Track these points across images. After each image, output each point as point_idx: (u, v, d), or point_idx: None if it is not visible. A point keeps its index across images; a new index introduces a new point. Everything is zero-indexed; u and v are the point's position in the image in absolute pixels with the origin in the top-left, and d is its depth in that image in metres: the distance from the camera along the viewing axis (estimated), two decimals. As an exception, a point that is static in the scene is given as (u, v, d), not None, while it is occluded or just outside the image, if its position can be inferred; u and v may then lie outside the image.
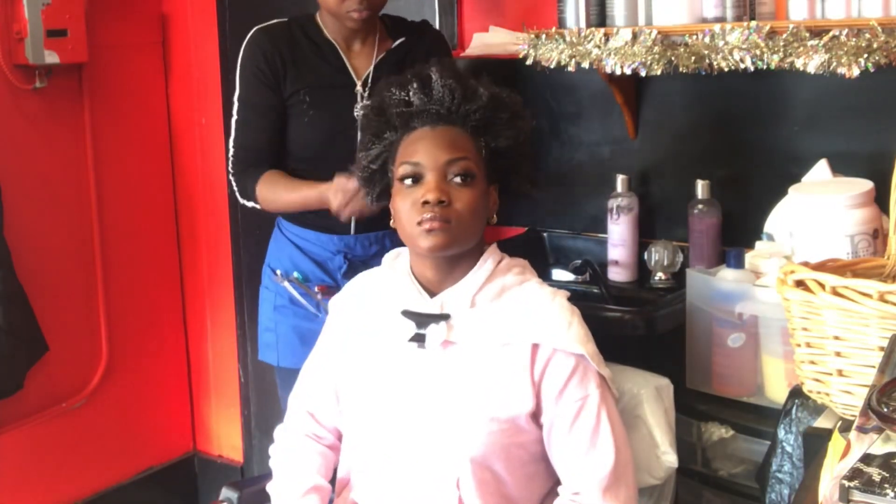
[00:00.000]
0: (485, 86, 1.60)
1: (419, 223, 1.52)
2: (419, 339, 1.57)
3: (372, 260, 2.03)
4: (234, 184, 2.13)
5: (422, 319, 1.57)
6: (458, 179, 1.53)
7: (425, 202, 1.52)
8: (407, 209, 1.54)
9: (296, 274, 2.12)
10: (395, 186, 1.59)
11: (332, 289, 2.05)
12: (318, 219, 2.09)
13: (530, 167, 1.66)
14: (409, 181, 1.55)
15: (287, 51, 2.06)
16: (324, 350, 1.75)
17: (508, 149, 1.60)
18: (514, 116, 1.61)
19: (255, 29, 2.10)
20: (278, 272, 2.13)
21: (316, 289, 2.10)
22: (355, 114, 2.02)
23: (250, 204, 2.10)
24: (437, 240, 1.52)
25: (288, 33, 2.08)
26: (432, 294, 1.60)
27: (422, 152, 1.55)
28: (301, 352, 1.98)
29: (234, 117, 2.11)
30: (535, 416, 1.55)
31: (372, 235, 2.13)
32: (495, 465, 1.54)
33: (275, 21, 2.12)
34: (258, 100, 2.07)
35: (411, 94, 1.57)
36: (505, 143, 1.59)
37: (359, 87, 2.06)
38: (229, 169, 2.13)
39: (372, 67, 2.08)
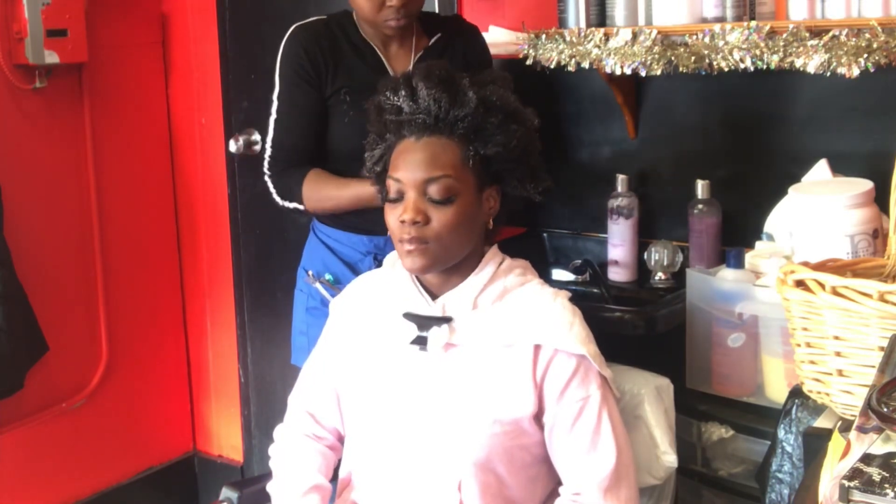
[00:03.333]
0: (477, 87, 1.54)
1: (400, 241, 1.53)
2: (421, 341, 1.56)
3: None
4: (271, 185, 2.07)
5: (423, 322, 1.57)
6: (436, 198, 1.51)
7: (403, 221, 1.52)
8: (392, 226, 1.55)
9: (328, 276, 2.10)
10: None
11: None
12: (353, 219, 2.05)
13: (529, 170, 1.60)
14: (393, 196, 1.54)
15: (327, 49, 2.02)
16: (325, 351, 1.75)
17: (499, 154, 1.55)
18: (506, 119, 1.55)
19: (294, 26, 2.05)
20: (310, 273, 2.10)
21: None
22: None
23: (291, 205, 2.04)
24: (416, 262, 1.53)
25: (327, 31, 2.04)
26: (434, 296, 1.59)
27: (403, 168, 1.53)
28: None
29: (273, 116, 2.05)
30: (538, 417, 1.55)
31: None
32: (498, 468, 1.54)
33: (314, 19, 2.07)
34: (298, 98, 2.02)
35: (401, 99, 1.54)
36: (494, 150, 1.54)
37: None
38: (266, 170, 2.06)
39: (411, 68, 2.03)
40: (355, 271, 2.08)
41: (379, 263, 2.03)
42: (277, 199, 2.07)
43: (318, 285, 2.09)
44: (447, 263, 1.56)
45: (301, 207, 2.03)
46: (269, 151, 2.06)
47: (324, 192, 2.00)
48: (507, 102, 1.56)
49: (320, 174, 2.01)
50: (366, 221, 2.02)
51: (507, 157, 1.55)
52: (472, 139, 1.53)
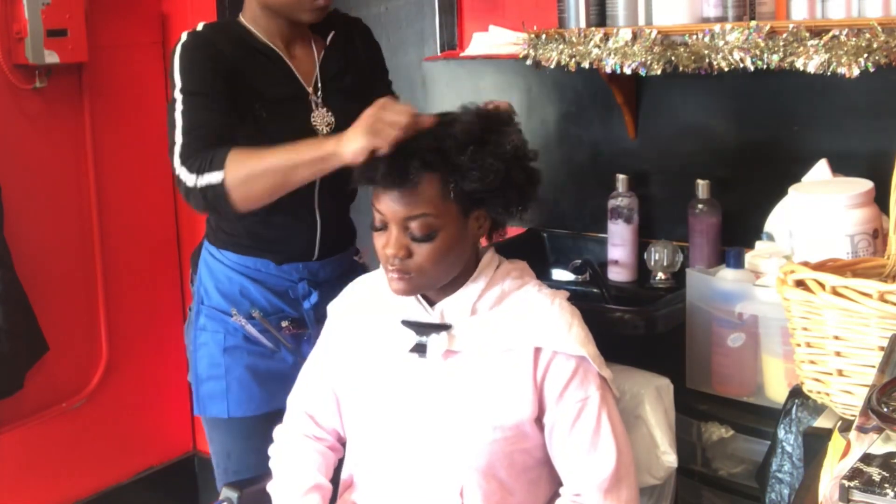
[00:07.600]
0: (460, 122, 1.51)
1: (386, 269, 1.55)
2: (420, 349, 1.56)
3: (338, 281, 1.86)
4: (183, 170, 1.69)
5: (422, 329, 1.57)
6: (417, 235, 1.50)
7: (387, 254, 1.52)
8: (378, 249, 1.56)
9: (256, 312, 1.92)
10: None
11: (300, 323, 1.93)
12: (280, 247, 1.92)
13: (516, 195, 1.56)
14: (378, 225, 1.54)
15: (235, 56, 1.83)
16: (322, 353, 1.75)
17: (477, 190, 1.51)
18: (477, 152, 1.49)
19: (186, 33, 1.85)
20: (234, 311, 1.92)
21: (283, 324, 1.94)
22: (312, 122, 1.88)
23: (203, 181, 1.66)
24: (400, 287, 1.54)
25: (229, 37, 1.86)
26: (432, 303, 1.59)
27: (384, 202, 1.52)
28: (258, 396, 1.82)
29: (179, 108, 1.75)
30: (538, 419, 1.55)
31: (335, 260, 1.98)
32: (500, 473, 1.54)
33: (206, 24, 1.89)
34: (212, 84, 1.77)
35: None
36: (471, 186, 1.50)
37: (311, 95, 1.90)
38: (176, 160, 1.71)
39: (318, 70, 1.92)
40: (287, 299, 1.95)
41: (314, 286, 1.94)
42: (189, 180, 1.68)
43: (244, 323, 1.92)
44: (433, 288, 1.57)
45: (219, 182, 1.65)
46: (179, 141, 1.72)
47: (257, 158, 1.66)
48: (471, 135, 1.50)
49: (250, 149, 1.68)
50: (285, 248, 1.92)
51: (486, 190, 1.52)
52: (450, 173, 1.50)
